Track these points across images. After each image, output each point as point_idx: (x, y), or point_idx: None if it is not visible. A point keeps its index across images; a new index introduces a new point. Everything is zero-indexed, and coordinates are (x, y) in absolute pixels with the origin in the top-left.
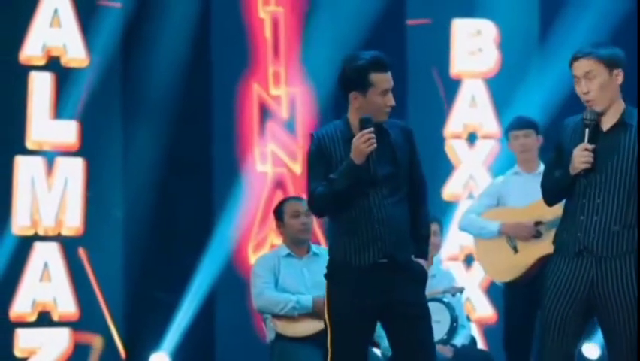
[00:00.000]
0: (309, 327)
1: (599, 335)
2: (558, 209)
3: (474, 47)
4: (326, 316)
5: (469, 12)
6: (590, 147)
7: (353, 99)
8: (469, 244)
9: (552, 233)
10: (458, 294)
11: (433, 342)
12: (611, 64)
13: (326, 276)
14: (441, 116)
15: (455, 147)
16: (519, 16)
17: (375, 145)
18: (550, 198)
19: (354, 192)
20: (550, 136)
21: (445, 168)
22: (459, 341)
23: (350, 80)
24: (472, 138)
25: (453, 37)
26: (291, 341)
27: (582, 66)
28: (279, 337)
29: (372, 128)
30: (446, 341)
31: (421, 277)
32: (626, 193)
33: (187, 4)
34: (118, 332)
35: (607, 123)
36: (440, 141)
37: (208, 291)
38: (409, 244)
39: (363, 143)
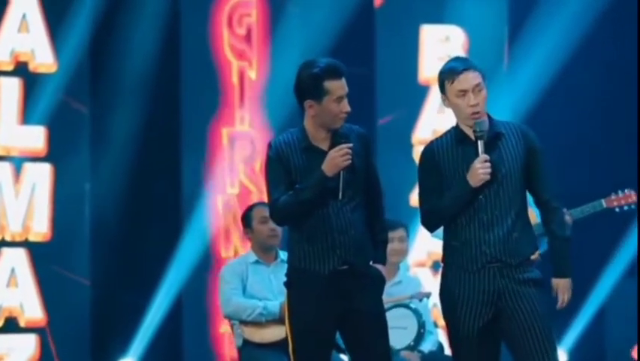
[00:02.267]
0: (277, 333)
1: (566, 341)
2: (534, 215)
3: (442, 53)
4: (287, 324)
5: (437, 18)
6: (487, 157)
7: (309, 107)
8: (436, 250)
9: None
10: (425, 300)
11: (389, 350)
12: (484, 78)
13: (286, 284)
14: (409, 122)
15: None
16: (488, 22)
17: (350, 161)
18: (441, 223)
19: (319, 203)
20: None
21: (412, 174)
22: (426, 347)
23: (305, 88)
24: None
25: (421, 44)
26: (258, 347)
27: (473, 79)
28: (247, 343)
29: (351, 144)
30: (413, 347)
31: (378, 283)
32: (518, 200)
33: (156, 7)
34: (85, 337)
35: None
36: (408, 146)
37: (176, 296)
38: (368, 249)
39: (341, 156)
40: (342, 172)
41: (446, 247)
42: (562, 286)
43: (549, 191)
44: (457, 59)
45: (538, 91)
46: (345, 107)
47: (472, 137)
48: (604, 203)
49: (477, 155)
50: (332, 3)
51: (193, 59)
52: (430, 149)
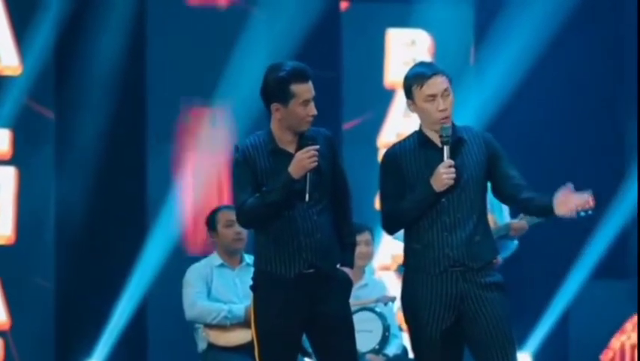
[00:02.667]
0: (241, 337)
1: (530, 344)
2: (494, 219)
3: (408, 57)
4: (253, 328)
5: (403, 22)
6: (452, 162)
7: (275, 110)
8: (400, 254)
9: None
10: (390, 303)
11: (355, 353)
12: (451, 83)
13: (252, 287)
14: (375, 126)
15: None
16: (453, 26)
17: (317, 163)
18: (402, 226)
19: (287, 205)
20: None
21: (378, 177)
22: (391, 350)
23: (271, 91)
24: None
25: (387, 48)
26: (222, 350)
27: (441, 83)
28: (211, 347)
29: (317, 146)
30: (378, 351)
31: (346, 286)
32: (480, 204)
33: (122, 11)
34: (49, 341)
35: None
36: (374, 150)
37: (141, 299)
38: (335, 252)
39: (307, 158)
40: (308, 174)
41: (407, 250)
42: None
43: (520, 177)
44: (422, 64)
45: (505, 94)
46: (312, 110)
47: (436, 141)
48: None
49: (442, 160)
50: (297, 7)
51: (159, 63)
52: (393, 152)
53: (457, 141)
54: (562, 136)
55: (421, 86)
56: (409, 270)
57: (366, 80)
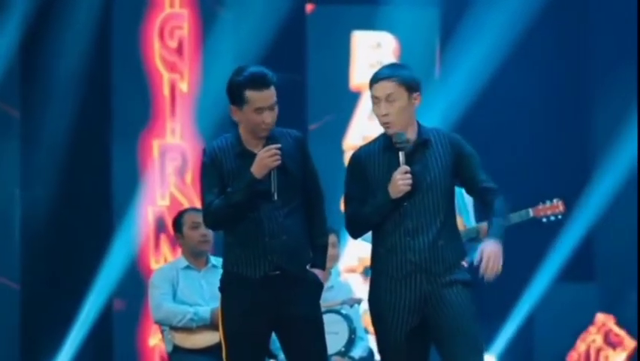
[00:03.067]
0: (207, 339)
1: (495, 346)
2: (462, 221)
3: (374, 59)
4: (220, 328)
5: (368, 25)
6: (408, 168)
7: (233, 112)
8: (366, 256)
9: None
10: (356, 305)
11: (325, 355)
12: (411, 88)
13: (220, 289)
14: (340, 128)
15: None
16: (419, 28)
17: (279, 161)
18: (358, 230)
19: (251, 206)
20: None
21: (343, 180)
22: (357, 353)
23: (229, 94)
24: None
25: (353, 50)
26: (188, 352)
27: (384, 88)
28: (177, 349)
29: (279, 145)
30: (344, 353)
31: (315, 288)
32: (444, 207)
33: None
34: (14, 342)
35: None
36: (339, 152)
37: (106, 301)
38: (304, 254)
39: (269, 157)
40: (272, 173)
41: (374, 254)
42: (489, 246)
43: (487, 179)
44: (387, 66)
45: (471, 96)
46: (266, 118)
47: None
48: (531, 212)
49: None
50: (264, 9)
51: (124, 70)
52: (358, 155)
53: (421, 143)
54: (527, 138)
55: (370, 88)
56: (374, 273)
57: (331, 83)
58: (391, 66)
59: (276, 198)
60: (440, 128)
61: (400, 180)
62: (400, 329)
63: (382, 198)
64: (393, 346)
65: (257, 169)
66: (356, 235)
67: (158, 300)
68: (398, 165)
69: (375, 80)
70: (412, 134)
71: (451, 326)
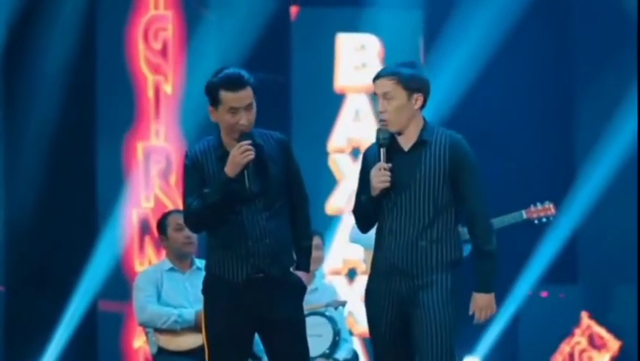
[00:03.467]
0: (191, 341)
1: (480, 349)
2: None
3: (358, 61)
4: (203, 331)
5: (353, 27)
6: (386, 165)
7: (210, 112)
8: (351, 258)
9: None
10: (340, 308)
11: (308, 357)
12: (411, 88)
13: (202, 291)
14: (325, 131)
15: (339, 162)
16: (403, 30)
17: (252, 157)
18: (361, 225)
19: (228, 206)
20: None
21: (328, 182)
22: (341, 355)
23: (207, 95)
24: (355, 153)
25: (337, 52)
26: (173, 355)
27: (382, 86)
28: (162, 351)
29: (250, 141)
30: (328, 355)
31: (298, 290)
32: (431, 209)
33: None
34: None
35: (407, 143)
36: (324, 155)
37: (91, 303)
38: (287, 257)
39: (240, 154)
40: (245, 171)
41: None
42: (479, 302)
43: (475, 207)
44: (396, 63)
45: (454, 98)
46: (241, 119)
47: (400, 143)
48: (524, 214)
49: (400, 162)
50: (248, 12)
51: (109, 72)
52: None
53: (419, 144)
54: (512, 141)
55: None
56: (370, 271)
57: (316, 85)
58: (398, 64)
59: (251, 191)
60: (450, 131)
61: (375, 177)
62: (385, 328)
63: (366, 195)
64: (381, 344)
65: (229, 168)
66: (361, 229)
67: (143, 302)
68: (394, 163)
69: (376, 76)
70: (413, 133)
71: (421, 332)
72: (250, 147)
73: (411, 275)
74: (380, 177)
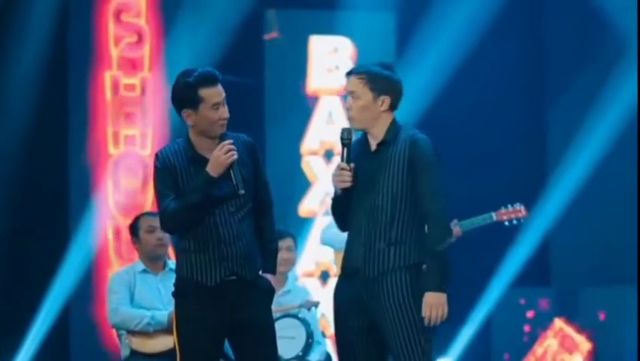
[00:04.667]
0: (164, 343)
1: (452, 350)
2: None
3: (331, 64)
4: (174, 334)
5: (326, 29)
6: (346, 165)
7: (186, 117)
8: (324, 260)
9: None
10: (313, 309)
11: (277, 360)
12: (378, 89)
13: (174, 294)
14: (298, 133)
15: (312, 164)
16: (376, 33)
17: (236, 156)
18: (337, 222)
19: (209, 207)
20: None
21: (301, 184)
22: (314, 357)
23: (180, 97)
24: (329, 155)
25: (310, 54)
26: (146, 357)
27: (350, 84)
28: (134, 353)
29: (232, 140)
30: (301, 358)
31: (267, 293)
32: (390, 210)
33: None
34: None
35: (373, 143)
36: (297, 157)
37: (63, 307)
38: (257, 259)
39: (224, 154)
40: (232, 170)
41: None
42: (428, 300)
43: (430, 206)
44: (370, 63)
45: (427, 101)
46: (224, 113)
47: (371, 141)
48: (494, 216)
49: (369, 162)
50: (221, 14)
51: (81, 66)
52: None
53: (382, 143)
54: (483, 144)
55: None
56: (339, 272)
57: (289, 87)
58: (372, 64)
59: (242, 192)
60: (415, 131)
61: (335, 177)
62: (348, 328)
63: (334, 193)
64: (343, 343)
65: (213, 168)
66: (339, 226)
67: (115, 304)
68: (363, 162)
69: (347, 73)
70: (379, 133)
71: (383, 336)
72: (233, 147)
73: (368, 277)
74: (339, 176)
